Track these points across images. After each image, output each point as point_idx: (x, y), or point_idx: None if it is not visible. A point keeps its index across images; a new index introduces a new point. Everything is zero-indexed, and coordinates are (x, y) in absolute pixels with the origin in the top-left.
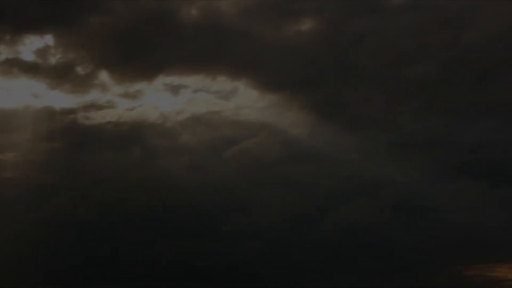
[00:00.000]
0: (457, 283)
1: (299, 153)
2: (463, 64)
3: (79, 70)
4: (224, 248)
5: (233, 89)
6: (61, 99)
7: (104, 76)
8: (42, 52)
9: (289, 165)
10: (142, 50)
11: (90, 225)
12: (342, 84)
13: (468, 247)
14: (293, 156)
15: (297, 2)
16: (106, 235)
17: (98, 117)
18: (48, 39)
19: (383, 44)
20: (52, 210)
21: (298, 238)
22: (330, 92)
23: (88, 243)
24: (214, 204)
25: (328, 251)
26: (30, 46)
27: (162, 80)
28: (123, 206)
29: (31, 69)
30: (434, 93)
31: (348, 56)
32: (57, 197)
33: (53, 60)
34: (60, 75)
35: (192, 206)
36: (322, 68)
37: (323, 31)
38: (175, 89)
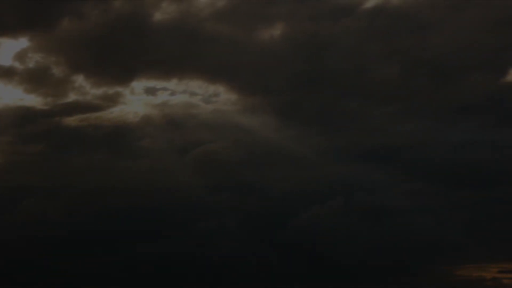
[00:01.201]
0: (427, 284)
1: (266, 156)
2: (427, 66)
3: (55, 73)
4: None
5: (210, 92)
6: (36, 102)
7: (80, 79)
8: (18, 55)
9: (254, 168)
10: (117, 54)
11: (59, 225)
12: (314, 88)
13: (435, 249)
14: (260, 159)
15: (269, 6)
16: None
17: (75, 120)
18: (23, 43)
19: (354, 48)
20: (25, 212)
21: (266, 239)
22: (303, 96)
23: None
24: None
25: (294, 253)
26: (6, 50)
27: (139, 84)
28: (90, 208)
29: (6, 73)
30: (401, 96)
31: (321, 59)
32: (29, 198)
33: (29, 63)
34: (36, 78)
35: (152, 208)
36: (295, 72)
37: (295, 35)
38: (152, 92)
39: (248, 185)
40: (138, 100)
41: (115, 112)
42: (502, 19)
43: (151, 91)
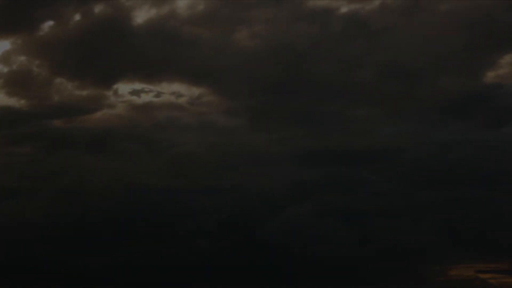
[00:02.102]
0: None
1: (245, 158)
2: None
3: (39, 76)
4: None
5: (191, 95)
6: (20, 104)
7: (63, 82)
8: (1, 58)
9: (228, 169)
10: (99, 57)
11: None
12: (294, 91)
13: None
14: (239, 161)
15: (249, 10)
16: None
17: (59, 123)
18: (6, 45)
19: (333, 50)
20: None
21: (244, 240)
22: (283, 99)
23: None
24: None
25: (272, 253)
26: None
27: (123, 86)
28: (72, 209)
29: None
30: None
31: (304, 62)
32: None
33: (12, 66)
34: (20, 81)
35: (131, 210)
36: (277, 75)
37: (276, 38)
38: (136, 94)
39: (226, 186)
40: (121, 102)
41: (99, 115)
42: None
43: (134, 93)
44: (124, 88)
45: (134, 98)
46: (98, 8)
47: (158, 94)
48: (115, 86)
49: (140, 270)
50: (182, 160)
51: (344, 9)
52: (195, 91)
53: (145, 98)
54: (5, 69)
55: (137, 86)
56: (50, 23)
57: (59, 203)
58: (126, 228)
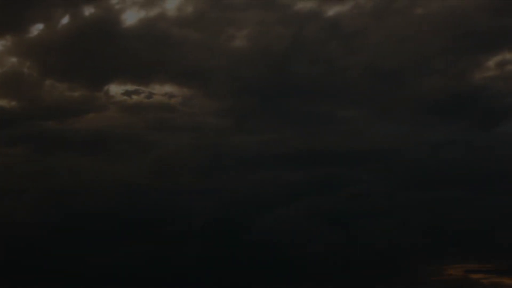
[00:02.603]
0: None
1: (232, 159)
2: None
3: (30, 77)
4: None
5: (181, 96)
6: (11, 106)
7: (54, 84)
8: None
9: (213, 171)
10: (90, 59)
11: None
12: (282, 92)
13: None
14: (226, 162)
15: (236, 12)
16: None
17: (52, 124)
18: None
19: (319, 52)
20: None
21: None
22: (271, 100)
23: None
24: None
25: (260, 253)
26: None
27: (115, 88)
28: (61, 211)
29: None
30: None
31: (290, 64)
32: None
33: (3, 67)
34: (11, 82)
35: (117, 211)
36: (264, 77)
37: (263, 40)
38: (128, 95)
39: (214, 187)
40: (113, 104)
41: (91, 116)
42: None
43: (126, 95)
44: (115, 89)
45: (126, 99)
46: (88, 11)
47: (149, 95)
48: (106, 88)
49: (140, 270)
50: (171, 161)
51: (330, 12)
52: (187, 92)
53: (136, 99)
54: None
55: (129, 87)
56: (40, 25)
57: (49, 203)
58: (119, 227)
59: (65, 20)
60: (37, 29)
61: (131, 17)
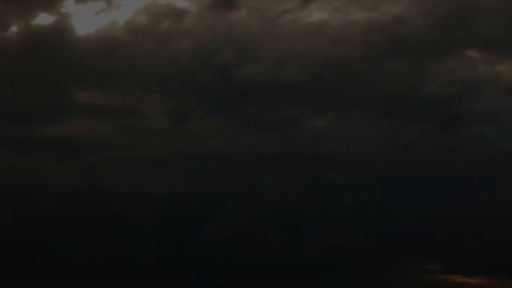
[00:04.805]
0: None
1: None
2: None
3: None
4: None
5: (145, 102)
6: None
7: (14, 90)
8: None
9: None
10: (50, 67)
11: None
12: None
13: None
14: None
15: None
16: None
17: (17, 131)
18: None
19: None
20: None
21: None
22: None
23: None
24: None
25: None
26: None
27: (79, 95)
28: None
29: None
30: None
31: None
32: None
33: None
34: None
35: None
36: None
37: None
38: (94, 103)
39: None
40: (79, 110)
41: (57, 123)
42: None
43: (93, 100)
44: (81, 95)
45: (93, 105)
46: (40, 18)
47: (116, 100)
48: (71, 94)
49: (88, 275)
50: (140, 165)
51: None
52: (148, 98)
53: (103, 104)
54: None
55: (95, 93)
56: None
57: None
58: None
59: (16, 28)
60: None
61: (84, 26)
